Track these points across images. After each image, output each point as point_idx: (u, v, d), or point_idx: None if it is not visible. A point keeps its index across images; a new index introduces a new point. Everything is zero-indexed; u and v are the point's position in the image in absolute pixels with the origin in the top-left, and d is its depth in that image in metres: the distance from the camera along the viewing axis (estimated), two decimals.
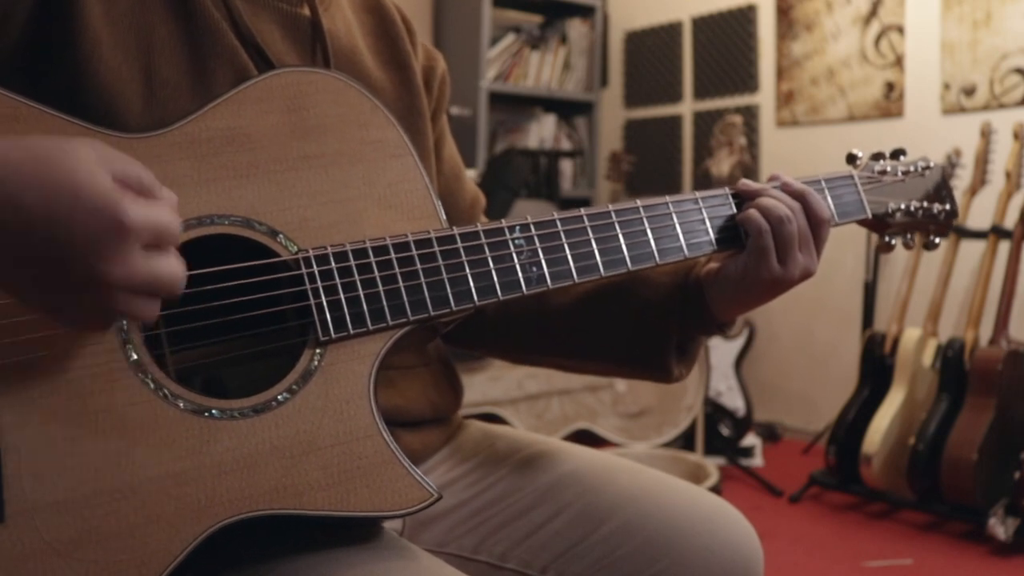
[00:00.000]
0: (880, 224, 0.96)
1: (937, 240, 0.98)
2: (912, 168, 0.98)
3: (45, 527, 0.60)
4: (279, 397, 0.68)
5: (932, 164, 0.99)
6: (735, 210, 0.87)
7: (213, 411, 0.66)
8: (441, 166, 0.99)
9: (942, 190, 0.98)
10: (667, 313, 0.88)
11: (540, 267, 0.78)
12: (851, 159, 0.96)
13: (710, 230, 0.86)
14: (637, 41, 4.16)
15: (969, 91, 3.04)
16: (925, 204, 0.97)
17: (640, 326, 0.89)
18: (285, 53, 0.83)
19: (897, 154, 0.98)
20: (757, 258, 0.84)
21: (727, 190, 0.88)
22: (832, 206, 0.91)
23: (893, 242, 0.97)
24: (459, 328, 0.98)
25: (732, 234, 0.87)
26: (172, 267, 0.58)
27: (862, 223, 0.95)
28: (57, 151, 0.54)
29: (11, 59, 0.71)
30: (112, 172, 0.55)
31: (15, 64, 0.71)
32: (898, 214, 0.96)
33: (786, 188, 0.88)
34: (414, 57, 0.95)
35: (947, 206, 0.98)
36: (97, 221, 0.53)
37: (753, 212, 0.85)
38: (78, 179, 0.53)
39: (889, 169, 0.96)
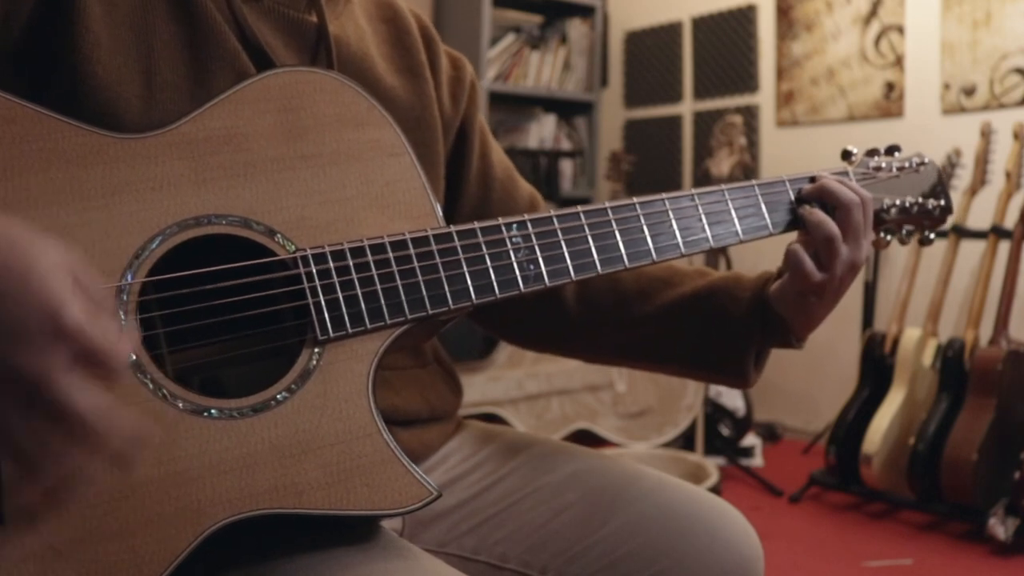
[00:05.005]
0: (875, 220, 0.96)
1: (932, 236, 0.99)
2: (907, 164, 0.97)
3: (45, 527, 0.60)
4: (278, 396, 0.68)
5: (927, 160, 0.99)
6: (730, 206, 0.88)
7: (212, 411, 0.66)
8: (493, 171, 1.00)
9: (937, 186, 0.98)
10: (750, 330, 0.91)
11: (537, 265, 0.79)
12: (846, 155, 0.96)
13: (706, 226, 0.86)
14: (637, 41, 4.16)
15: (969, 91, 3.04)
16: (920, 200, 0.97)
17: (724, 338, 0.93)
18: (288, 57, 0.83)
19: (892, 150, 0.98)
20: (793, 271, 0.87)
21: (723, 187, 0.88)
22: None
23: (889, 238, 0.97)
24: (542, 331, 1.01)
25: (730, 230, 0.87)
26: (90, 402, 0.53)
27: None
28: (27, 240, 0.54)
29: (12, 60, 0.71)
30: (74, 276, 0.54)
31: (16, 65, 0.71)
32: (893, 210, 0.95)
33: None
34: (429, 67, 0.96)
35: (942, 201, 0.98)
36: (35, 310, 0.52)
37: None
38: (34, 267, 0.53)
39: (884, 165, 0.96)
